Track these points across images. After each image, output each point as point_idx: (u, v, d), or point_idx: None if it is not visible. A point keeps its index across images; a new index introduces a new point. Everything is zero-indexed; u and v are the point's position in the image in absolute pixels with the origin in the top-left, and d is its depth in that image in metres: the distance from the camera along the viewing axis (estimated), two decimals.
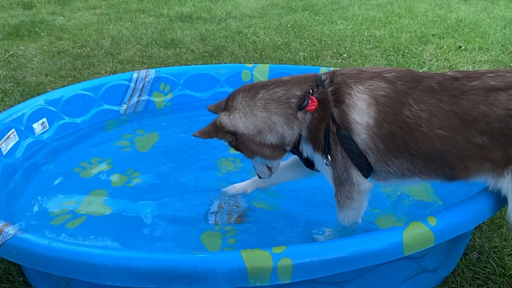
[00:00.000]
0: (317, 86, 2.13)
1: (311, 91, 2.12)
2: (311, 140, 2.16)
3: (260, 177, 2.47)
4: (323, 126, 2.09)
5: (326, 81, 2.13)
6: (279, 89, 2.16)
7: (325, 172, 2.20)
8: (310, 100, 2.09)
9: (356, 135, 2.04)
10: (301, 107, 2.11)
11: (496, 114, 1.90)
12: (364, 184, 2.14)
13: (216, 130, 2.24)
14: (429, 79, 2.04)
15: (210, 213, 2.65)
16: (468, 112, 1.93)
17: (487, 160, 1.96)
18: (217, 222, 2.59)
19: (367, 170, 2.10)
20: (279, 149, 2.24)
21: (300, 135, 2.17)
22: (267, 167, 2.40)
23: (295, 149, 2.23)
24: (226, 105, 2.27)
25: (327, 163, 2.12)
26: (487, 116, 1.91)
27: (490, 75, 1.98)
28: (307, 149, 2.21)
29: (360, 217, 2.27)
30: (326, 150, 2.11)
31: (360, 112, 2.03)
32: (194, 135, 2.26)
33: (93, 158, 3.24)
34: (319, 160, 2.17)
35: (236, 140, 2.25)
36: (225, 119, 2.22)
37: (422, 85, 2.02)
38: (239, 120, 2.20)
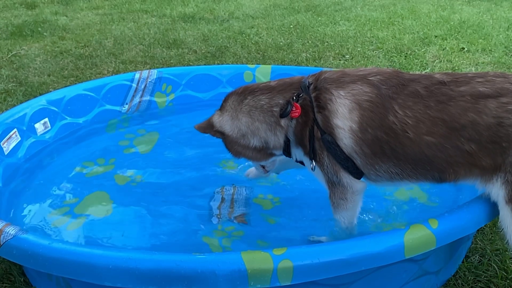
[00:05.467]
0: (301, 92, 2.14)
1: (294, 98, 2.14)
2: (299, 144, 2.20)
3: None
4: (307, 131, 2.12)
5: (311, 86, 2.13)
6: (263, 97, 2.23)
7: (317, 174, 2.22)
8: (294, 107, 2.12)
9: (339, 140, 2.04)
10: (283, 114, 2.16)
11: (486, 122, 1.87)
12: (356, 185, 2.15)
13: (209, 127, 2.37)
14: (415, 83, 2.01)
15: (213, 211, 2.66)
16: (456, 120, 1.89)
17: (476, 166, 1.93)
18: (220, 215, 2.59)
19: (356, 173, 2.10)
20: (263, 152, 2.32)
21: (288, 140, 2.21)
22: (261, 165, 2.52)
23: (286, 152, 2.28)
24: (221, 105, 2.38)
25: (312, 168, 2.17)
26: (476, 124, 1.88)
27: (479, 80, 1.94)
28: (297, 153, 2.25)
29: (356, 217, 2.26)
30: (311, 155, 2.14)
31: (342, 118, 2.02)
32: (194, 127, 2.42)
33: (95, 158, 3.24)
34: (309, 164, 2.19)
35: (224, 140, 2.37)
36: (216, 118, 2.35)
37: (407, 90, 1.99)
38: (226, 122, 2.31)
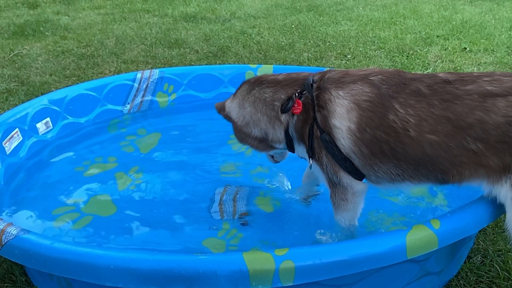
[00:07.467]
0: (304, 89, 2.15)
1: (296, 94, 2.16)
2: (301, 141, 2.21)
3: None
4: (306, 129, 2.13)
5: (315, 84, 2.14)
6: (268, 90, 2.27)
7: (318, 174, 2.23)
8: (296, 103, 2.14)
9: (337, 140, 2.04)
10: (284, 110, 2.18)
11: (494, 121, 1.83)
12: (356, 186, 2.13)
13: (222, 109, 2.46)
14: (417, 82, 1.98)
15: (214, 209, 2.67)
16: (462, 118, 1.86)
17: (481, 166, 1.90)
18: (223, 216, 2.60)
19: (356, 174, 2.09)
20: (264, 144, 2.37)
21: (289, 135, 2.23)
22: (270, 155, 2.57)
23: (289, 148, 2.30)
24: (235, 91, 2.45)
25: (310, 166, 2.19)
26: (484, 123, 1.84)
27: (486, 79, 1.91)
28: (300, 150, 2.27)
29: (357, 218, 2.25)
30: (309, 153, 2.15)
31: (340, 118, 2.02)
32: (215, 105, 2.52)
33: (96, 157, 3.24)
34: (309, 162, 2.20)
35: (232, 125, 2.44)
36: (228, 103, 2.44)
37: (409, 89, 1.97)
38: (234, 109, 2.39)
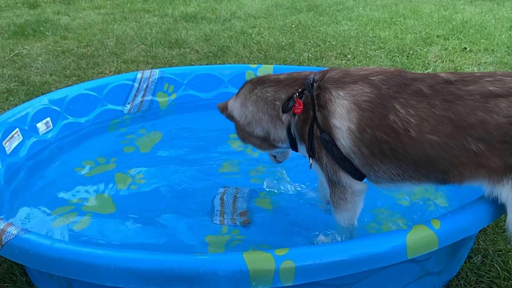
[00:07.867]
0: (305, 89, 2.16)
1: (297, 94, 2.17)
2: (302, 140, 2.21)
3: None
4: (306, 129, 2.13)
5: (315, 84, 2.14)
6: (270, 89, 2.28)
7: (318, 173, 2.23)
8: (296, 103, 2.15)
9: (337, 140, 2.04)
10: (285, 110, 2.20)
11: (496, 121, 1.83)
12: (355, 186, 2.13)
13: (224, 109, 2.46)
14: (419, 82, 1.98)
15: (215, 213, 2.66)
16: (464, 118, 1.86)
17: (482, 167, 1.89)
18: (223, 222, 2.59)
19: (355, 173, 2.09)
20: (266, 143, 2.38)
21: (292, 135, 2.24)
22: (272, 155, 2.57)
23: (293, 147, 2.31)
24: (238, 90, 2.45)
25: (310, 165, 2.20)
26: (485, 123, 1.84)
27: (488, 79, 1.90)
28: (301, 149, 2.27)
29: (356, 218, 2.25)
30: (309, 152, 2.16)
31: (340, 118, 2.02)
32: (217, 105, 2.53)
33: (96, 157, 3.24)
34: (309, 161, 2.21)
35: (234, 124, 2.44)
36: (230, 102, 2.44)
37: (410, 89, 1.96)
38: (236, 108, 2.39)
